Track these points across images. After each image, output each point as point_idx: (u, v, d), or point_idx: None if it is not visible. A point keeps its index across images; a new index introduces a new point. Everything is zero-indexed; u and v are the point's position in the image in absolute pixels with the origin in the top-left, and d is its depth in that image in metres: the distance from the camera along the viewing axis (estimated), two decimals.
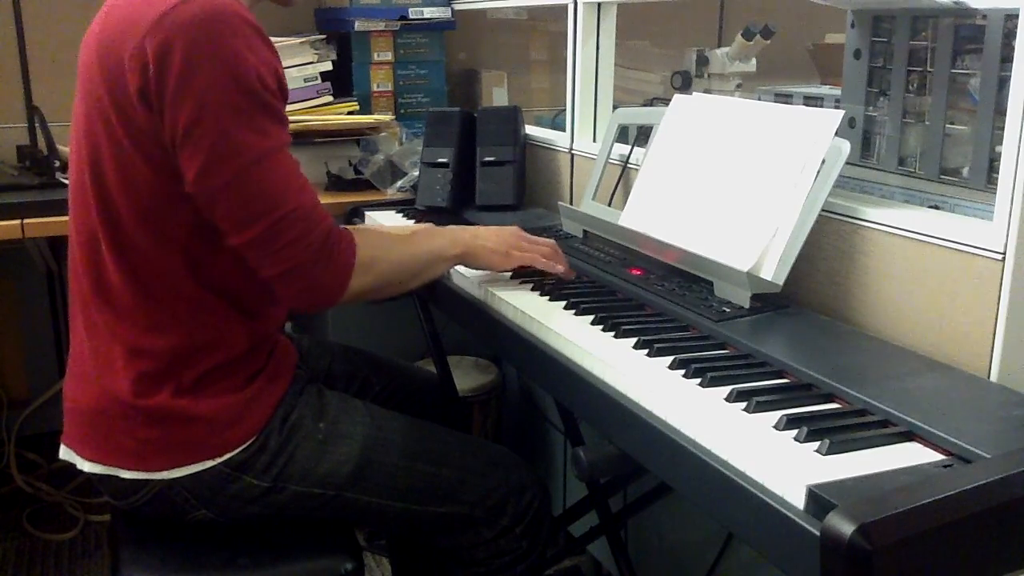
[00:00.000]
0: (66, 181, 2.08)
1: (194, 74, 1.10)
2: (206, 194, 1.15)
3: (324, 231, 1.20)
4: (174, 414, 1.22)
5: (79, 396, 1.28)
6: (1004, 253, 1.04)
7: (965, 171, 1.33)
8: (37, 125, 2.35)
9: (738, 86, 2.39)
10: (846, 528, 0.72)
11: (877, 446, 0.89)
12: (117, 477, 1.24)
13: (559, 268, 1.40)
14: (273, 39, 1.20)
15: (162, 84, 1.11)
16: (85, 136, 1.21)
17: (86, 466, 1.26)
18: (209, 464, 1.23)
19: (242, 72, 1.12)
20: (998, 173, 1.04)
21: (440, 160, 1.98)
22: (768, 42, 2.30)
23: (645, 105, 2.29)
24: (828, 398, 1.00)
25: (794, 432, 0.90)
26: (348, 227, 1.29)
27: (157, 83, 1.11)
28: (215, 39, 1.11)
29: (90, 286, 1.24)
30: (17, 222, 1.91)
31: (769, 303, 1.25)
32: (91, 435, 1.26)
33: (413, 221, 1.88)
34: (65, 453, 1.29)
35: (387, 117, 2.44)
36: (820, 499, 0.78)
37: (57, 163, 2.16)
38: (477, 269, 1.43)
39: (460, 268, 1.44)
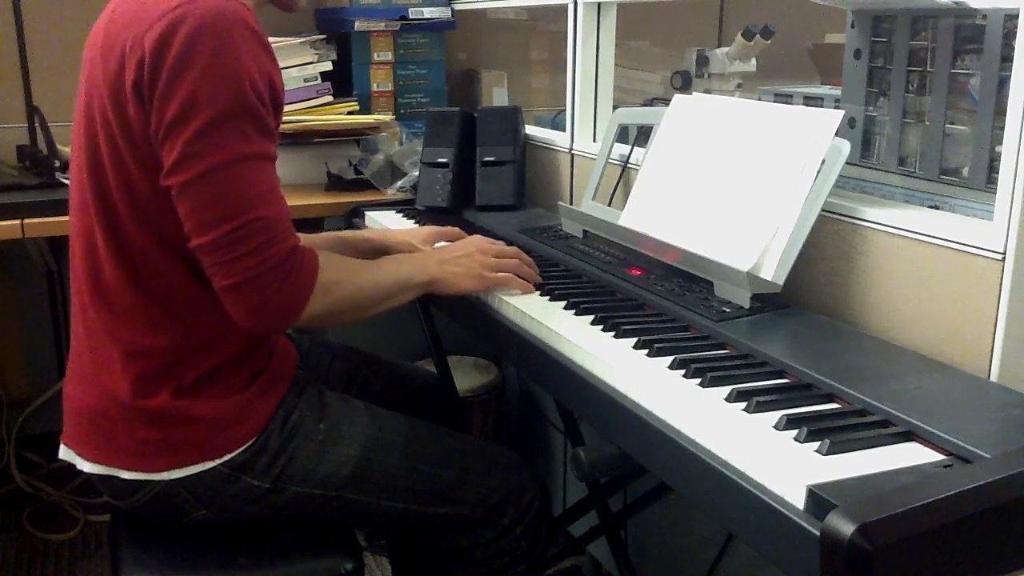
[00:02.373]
0: (66, 181, 2.08)
1: (187, 70, 1.10)
2: (175, 188, 1.13)
3: (287, 248, 1.16)
4: (174, 415, 1.22)
5: (79, 396, 1.28)
6: (1004, 253, 1.04)
7: (965, 171, 1.33)
8: (37, 125, 2.35)
9: (738, 86, 2.39)
10: (846, 528, 0.72)
11: (877, 446, 0.88)
12: (117, 477, 1.24)
13: (531, 288, 1.37)
14: (273, 39, 1.19)
15: (155, 78, 1.11)
16: (86, 134, 1.21)
17: (86, 466, 1.26)
18: (209, 465, 1.23)
19: (235, 76, 1.11)
20: (998, 173, 1.04)
21: (440, 160, 1.98)
22: (768, 42, 2.30)
23: (645, 105, 2.29)
24: (828, 398, 1.00)
25: (794, 432, 0.90)
26: (313, 247, 1.23)
27: (150, 77, 1.11)
28: (214, 39, 1.11)
29: (88, 286, 1.24)
30: (17, 222, 1.92)
31: (769, 303, 1.25)
32: (91, 435, 1.26)
33: (413, 222, 1.88)
34: (65, 453, 1.30)
35: (387, 117, 2.44)
36: (820, 499, 0.78)
37: (57, 163, 2.16)
38: (449, 294, 1.37)
39: None
